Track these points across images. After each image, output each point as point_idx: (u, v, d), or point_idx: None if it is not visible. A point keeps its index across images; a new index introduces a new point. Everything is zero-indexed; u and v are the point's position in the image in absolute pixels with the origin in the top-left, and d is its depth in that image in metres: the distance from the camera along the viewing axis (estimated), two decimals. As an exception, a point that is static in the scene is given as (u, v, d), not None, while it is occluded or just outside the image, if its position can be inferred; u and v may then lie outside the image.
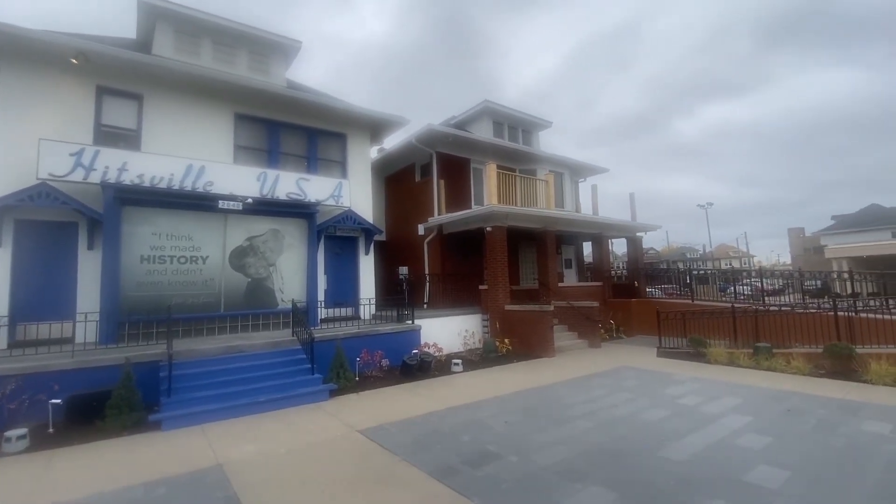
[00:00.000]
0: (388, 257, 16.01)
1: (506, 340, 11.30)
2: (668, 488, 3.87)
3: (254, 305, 9.99)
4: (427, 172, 14.94)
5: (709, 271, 23.12)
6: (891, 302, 10.95)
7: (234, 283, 9.82)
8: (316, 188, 11.09)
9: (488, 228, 12.58)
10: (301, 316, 8.61)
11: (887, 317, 9.52)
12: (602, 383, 7.96)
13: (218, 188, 9.67)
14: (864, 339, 8.83)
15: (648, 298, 15.62)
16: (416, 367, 8.64)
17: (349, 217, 11.58)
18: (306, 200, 10.75)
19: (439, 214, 14.10)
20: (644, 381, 8.11)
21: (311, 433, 5.64)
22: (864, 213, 48.53)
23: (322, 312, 10.88)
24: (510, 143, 16.39)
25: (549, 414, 6.18)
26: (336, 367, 7.90)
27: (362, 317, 11.41)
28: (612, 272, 17.31)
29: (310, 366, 7.69)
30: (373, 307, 11.45)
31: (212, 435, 5.62)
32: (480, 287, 12.93)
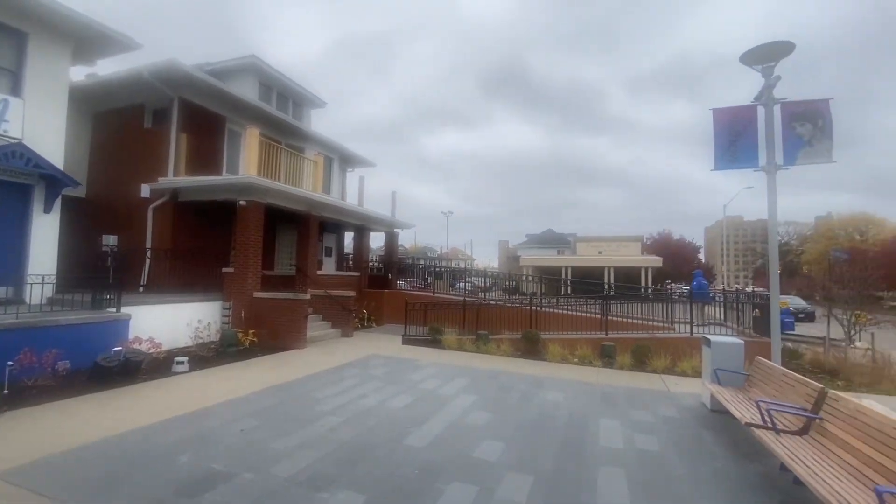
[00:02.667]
0: (90, 221, 11.88)
1: (251, 332, 9.97)
2: (413, 478, 3.94)
3: None
4: (163, 120, 11.80)
5: (445, 269, 26.82)
6: (560, 301, 15.01)
7: None
8: (-48, 99, 7.11)
9: (242, 202, 10.88)
10: None
11: (556, 311, 13.00)
12: (353, 374, 7.87)
13: None
14: (545, 327, 11.72)
15: (399, 290, 16.77)
16: (116, 369, 6.51)
17: (17, 153, 7.93)
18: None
19: (176, 176, 11.36)
20: (391, 368, 8.46)
21: None
22: (544, 234, 66.22)
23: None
24: (279, 113, 14.74)
25: (295, 413, 5.59)
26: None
27: (29, 301, 7.95)
28: (369, 264, 17.85)
29: None
30: (51, 288, 8.19)
31: None
32: (224, 270, 11.04)
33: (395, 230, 18.57)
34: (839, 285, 11.42)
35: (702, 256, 74.61)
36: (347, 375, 7.74)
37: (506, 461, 4.37)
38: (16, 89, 8.43)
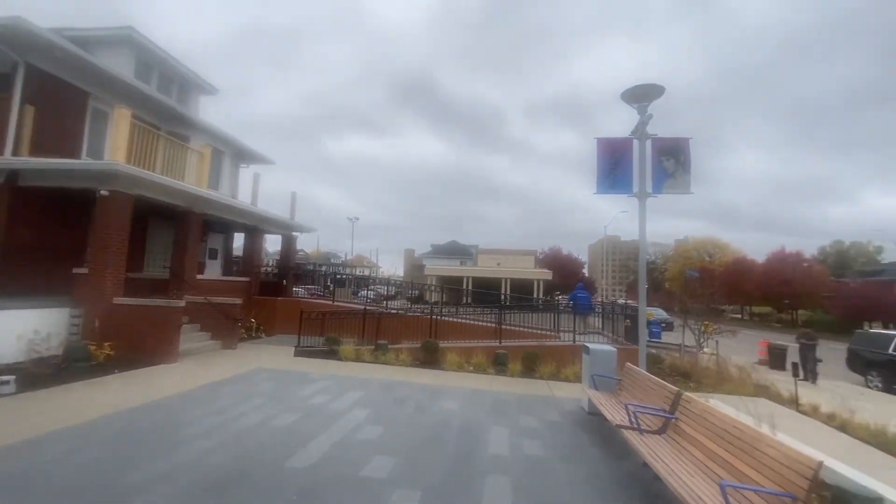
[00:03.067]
0: None
1: (107, 345, 8.52)
2: (291, 503, 3.60)
3: None
4: (4, 88, 9.72)
5: (348, 276, 26.01)
6: (459, 310, 15.35)
7: None
8: None
9: (104, 193, 9.36)
10: None
11: (456, 320, 13.27)
12: (231, 390, 7.10)
13: None
14: (445, 336, 11.85)
15: (295, 298, 15.76)
16: None
17: None
18: None
19: (15, 155, 9.40)
20: (279, 383, 7.82)
21: None
22: (448, 245, 67.88)
23: None
24: (160, 95, 13.04)
25: (155, 440, 4.83)
26: None
27: None
28: (262, 269, 16.53)
29: None
30: None
31: None
32: (76, 271, 9.34)
33: (294, 234, 17.50)
34: (692, 299, 13.36)
35: (585, 271, 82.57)
36: (225, 393, 6.95)
37: (395, 477, 4.22)
38: None
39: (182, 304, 9.48)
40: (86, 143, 11.17)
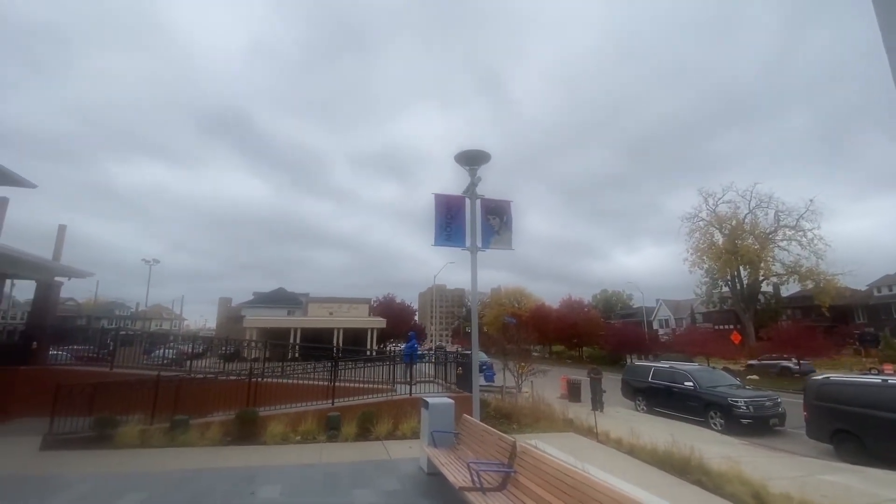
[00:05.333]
0: None
1: None
2: None
3: None
4: None
5: (137, 332, 21.05)
6: (286, 368, 13.72)
7: None
8: None
9: None
10: None
11: (282, 381, 11.73)
12: None
13: None
14: (268, 401, 10.24)
15: (51, 365, 11.74)
16: None
17: None
18: None
19: None
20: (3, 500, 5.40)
21: None
22: (274, 293, 62.32)
23: None
24: None
25: None
26: None
27: None
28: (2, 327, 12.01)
29: None
30: None
31: None
32: None
33: (58, 279, 13.37)
34: (510, 343, 14.76)
35: (416, 318, 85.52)
36: None
37: None
38: None
39: None
40: None
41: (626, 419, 13.57)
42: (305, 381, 11.97)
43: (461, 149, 8.49)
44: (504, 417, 11.77)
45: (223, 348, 20.08)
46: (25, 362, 11.25)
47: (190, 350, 21.13)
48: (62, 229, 13.62)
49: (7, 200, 12.46)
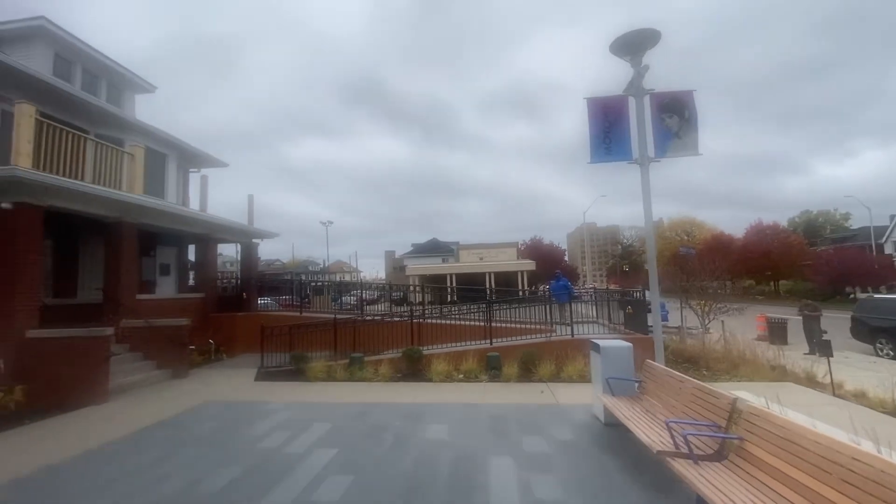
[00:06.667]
0: None
1: (18, 388, 6.94)
2: None
3: None
4: None
5: (324, 283, 24.40)
6: (444, 309, 14.07)
7: None
8: None
9: (6, 205, 7.74)
10: None
11: (441, 321, 11.98)
12: (163, 438, 5.65)
13: None
14: (429, 340, 10.54)
15: (258, 312, 14.18)
16: None
17: None
18: None
19: None
20: (226, 420, 6.39)
21: None
22: (429, 243, 66.64)
23: None
24: (79, 91, 11.29)
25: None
26: None
27: None
28: (220, 282, 14.90)
29: None
30: None
31: None
32: (-27, 301, 7.67)
33: (254, 241, 15.87)
34: (692, 278, 12.41)
35: (566, 258, 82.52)
36: (153, 442, 5.50)
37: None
38: None
39: (109, 332, 7.91)
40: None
41: (866, 366, 10.37)
42: (462, 322, 12.05)
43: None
44: (688, 362, 10.04)
45: (392, 294, 21.87)
46: (241, 310, 13.77)
47: (365, 296, 23.77)
48: (251, 199, 15.93)
49: (207, 178, 14.97)
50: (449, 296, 27.20)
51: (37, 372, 7.34)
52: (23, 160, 8.14)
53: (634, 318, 10.55)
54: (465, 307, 13.78)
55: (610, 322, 11.91)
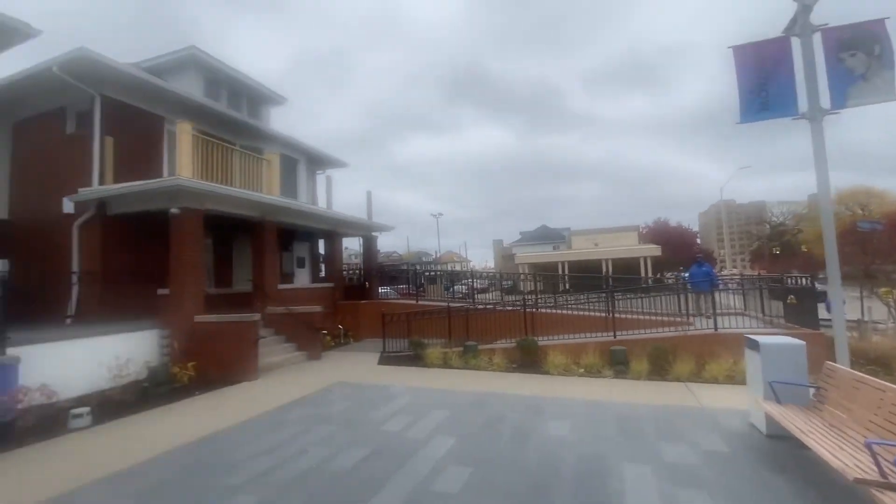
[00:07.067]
0: (13, 245, 10.24)
1: (190, 365, 8.29)
2: None
3: None
4: (87, 123, 10.16)
5: (436, 272, 25.19)
6: (558, 299, 13.42)
7: None
8: None
9: (175, 211, 9.23)
10: None
11: (556, 311, 11.39)
12: (301, 415, 6.21)
13: None
14: (544, 331, 10.09)
15: (379, 300, 15.10)
16: (-34, 437, 4.84)
17: None
18: None
19: (102, 184, 9.71)
20: (354, 402, 6.81)
21: None
22: (538, 230, 64.87)
23: None
24: (226, 109, 13.08)
25: (195, 492, 3.94)
26: None
27: None
28: (345, 272, 16.20)
29: None
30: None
31: None
32: (160, 292, 9.36)
33: (373, 234, 16.92)
34: (879, 259, 9.87)
35: (698, 241, 73.54)
36: (293, 419, 6.06)
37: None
38: None
39: (257, 317, 9.03)
40: (165, 167, 11.39)
41: None
42: (579, 312, 11.32)
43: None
44: (876, 365, 8.02)
45: (502, 283, 21.65)
46: (364, 297, 14.80)
47: (475, 285, 23.97)
48: (369, 195, 17.01)
49: (331, 178, 16.31)
50: (562, 284, 26.04)
51: (202, 351, 8.68)
52: (185, 171, 9.63)
53: (798, 309, 8.76)
54: (581, 296, 12.95)
55: (764, 314, 10.12)
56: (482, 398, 6.71)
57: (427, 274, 21.75)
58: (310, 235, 16.02)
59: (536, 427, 5.37)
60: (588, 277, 20.98)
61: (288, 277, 14.49)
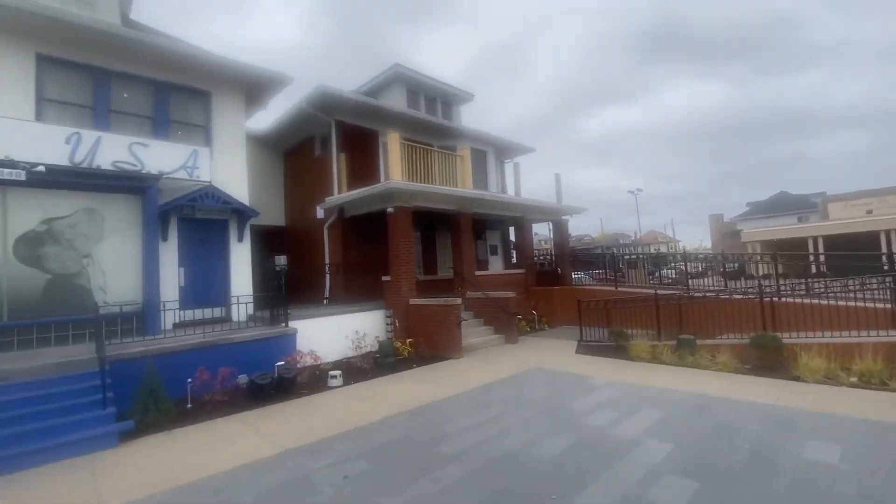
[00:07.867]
0: (290, 245, 13.82)
1: (408, 341, 9.60)
2: None
3: (59, 311, 7.46)
4: (328, 145, 12.76)
5: (638, 255, 22.89)
6: (810, 285, 10.47)
7: (24, 281, 7.25)
8: (159, 157, 8.61)
9: (390, 210, 10.73)
10: (126, 323, 6.31)
11: (807, 301, 8.84)
12: (502, 396, 6.44)
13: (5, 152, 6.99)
14: (788, 325, 8.02)
15: (573, 286, 14.57)
16: (269, 385, 6.65)
17: (209, 195, 9.21)
18: (139, 172, 8.26)
19: (339, 193, 12.05)
20: (553, 389, 6.70)
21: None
22: (774, 199, 52.20)
23: (176, 316, 8.49)
24: (425, 115, 14.51)
25: (414, 455, 4.49)
26: (144, 395, 5.73)
27: (236, 318, 9.26)
28: (536, 258, 16.16)
29: (102, 396, 5.48)
30: (250, 306, 9.26)
31: None
32: (384, 279, 11.09)
33: (564, 218, 16.37)
34: None
35: None
36: (495, 398, 6.33)
37: None
38: (207, 141, 9.92)
39: (458, 301, 9.78)
40: (381, 172, 13.39)
41: None
42: (845, 303, 8.53)
43: None
44: None
45: (724, 266, 18.26)
46: (556, 283, 14.49)
47: (689, 269, 20.81)
48: (558, 178, 16.48)
49: (519, 165, 16.39)
50: (814, 266, 20.43)
51: (416, 330, 9.90)
52: (395, 175, 11.05)
53: None
54: (849, 281, 9.80)
55: None
56: (706, 402, 5.72)
57: (626, 258, 19.90)
58: (500, 223, 16.56)
59: (786, 446, 4.26)
60: (856, 257, 15.66)
61: (483, 264, 15.32)
